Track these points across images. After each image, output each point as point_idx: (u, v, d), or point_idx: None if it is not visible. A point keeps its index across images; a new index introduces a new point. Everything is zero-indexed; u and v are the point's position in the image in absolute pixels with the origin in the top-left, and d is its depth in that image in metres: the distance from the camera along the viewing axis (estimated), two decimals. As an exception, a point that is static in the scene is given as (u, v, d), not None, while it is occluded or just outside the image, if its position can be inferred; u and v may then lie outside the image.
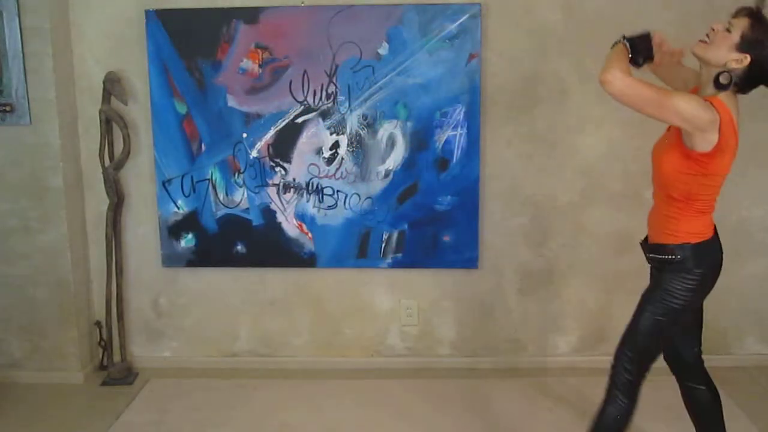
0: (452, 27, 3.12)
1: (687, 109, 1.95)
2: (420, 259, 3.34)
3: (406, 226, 3.31)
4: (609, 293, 3.38)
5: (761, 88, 2.14)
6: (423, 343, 3.47)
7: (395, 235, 3.31)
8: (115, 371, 3.35)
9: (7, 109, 3.11)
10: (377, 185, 3.28)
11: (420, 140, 3.23)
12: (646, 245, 2.34)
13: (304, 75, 3.19)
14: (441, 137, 3.22)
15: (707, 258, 2.20)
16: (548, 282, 3.39)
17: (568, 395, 3.12)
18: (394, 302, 3.43)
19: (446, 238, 3.30)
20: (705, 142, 1.99)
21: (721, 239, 3.39)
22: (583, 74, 3.20)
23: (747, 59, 2.02)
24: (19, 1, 3.02)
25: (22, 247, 3.23)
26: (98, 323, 3.45)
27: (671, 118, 1.99)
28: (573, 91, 3.22)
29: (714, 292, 3.38)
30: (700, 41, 2.12)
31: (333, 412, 3.02)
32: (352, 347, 3.48)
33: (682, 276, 2.17)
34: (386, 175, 3.27)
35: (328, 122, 3.23)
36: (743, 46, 2.02)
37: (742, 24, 2.05)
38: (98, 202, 3.35)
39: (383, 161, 3.26)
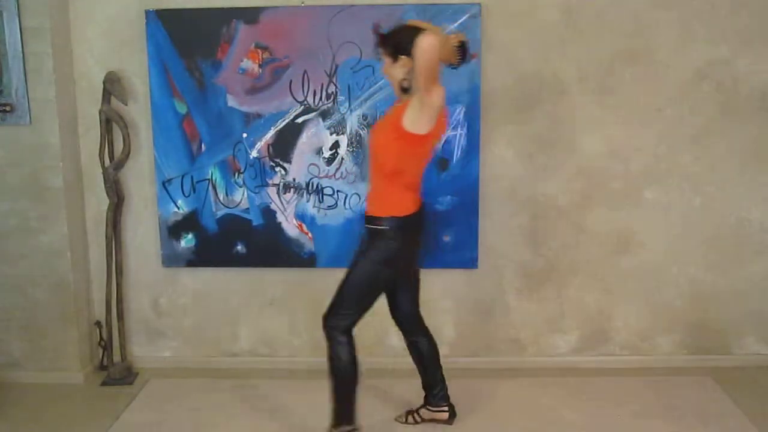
0: (452, 27, 3.12)
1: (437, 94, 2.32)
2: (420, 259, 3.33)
3: (406, 226, 3.30)
4: (609, 293, 3.39)
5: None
6: (423, 343, 3.47)
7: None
8: (115, 371, 3.35)
9: (7, 109, 3.11)
10: (377, 185, 3.28)
11: (420, 140, 3.23)
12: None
13: (304, 75, 3.19)
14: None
15: (409, 231, 2.55)
16: (548, 282, 3.39)
17: (568, 395, 3.12)
18: (394, 302, 3.43)
19: (446, 238, 3.30)
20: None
21: (720, 239, 3.42)
22: (583, 74, 3.20)
23: (405, 59, 2.40)
24: (19, 1, 3.03)
25: (22, 247, 3.23)
26: (98, 323, 3.45)
27: (427, 89, 2.30)
28: (573, 91, 3.22)
29: (714, 292, 3.41)
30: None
31: (333, 412, 3.02)
32: (352, 347, 3.48)
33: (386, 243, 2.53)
34: (386, 175, 3.27)
35: (328, 122, 3.24)
36: (394, 56, 2.44)
37: (382, 50, 2.50)
38: (98, 202, 3.35)
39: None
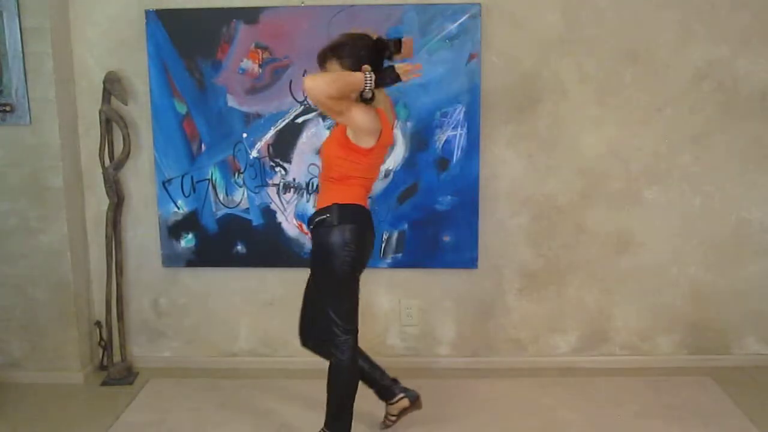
0: (452, 27, 3.12)
1: (360, 113, 2.36)
2: (420, 259, 3.34)
3: (406, 226, 3.31)
4: (609, 293, 3.39)
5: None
6: (423, 343, 3.47)
7: (395, 235, 3.31)
8: (115, 371, 3.35)
9: (7, 109, 3.11)
10: (377, 185, 3.28)
11: (420, 140, 3.23)
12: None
13: (304, 75, 3.19)
14: (441, 137, 3.22)
15: (355, 219, 2.50)
16: (548, 282, 3.39)
17: (568, 395, 3.12)
18: (394, 302, 3.43)
19: (446, 238, 3.30)
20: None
21: (720, 239, 3.42)
22: (582, 74, 3.20)
23: (366, 67, 2.36)
24: (19, 1, 3.02)
25: (22, 247, 3.23)
26: (98, 323, 3.45)
27: (346, 113, 2.36)
28: (573, 91, 3.22)
29: (714, 292, 3.41)
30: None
31: (333, 412, 3.02)
32: (352, 347, 3.48)
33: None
34: (386, 175, 3.27)
35: (328, 122, 3.23)
36: (355, 68, 2.37)
37: (333, 63, 2.43)
38: (98, 202, 3.35)
39: (383, 161, 3.26)
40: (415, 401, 2.83)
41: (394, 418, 2.85)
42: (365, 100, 2.40)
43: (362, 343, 3.47)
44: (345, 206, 2.48)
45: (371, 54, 2.41)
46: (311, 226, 2.56)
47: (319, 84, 2.29)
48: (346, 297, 2.56)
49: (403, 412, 2.83)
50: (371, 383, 2.80)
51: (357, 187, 2.52)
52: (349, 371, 2.58)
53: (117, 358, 3.42)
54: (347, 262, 2.47)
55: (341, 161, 2.47)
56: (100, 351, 3.45)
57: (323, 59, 2.46)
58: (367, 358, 2.80)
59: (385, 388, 2.81)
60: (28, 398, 3.18)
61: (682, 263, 3.35)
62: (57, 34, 3.13)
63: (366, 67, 2.36)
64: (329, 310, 2.53)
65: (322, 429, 2.63)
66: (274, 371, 3.42)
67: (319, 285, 2.59)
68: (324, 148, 2.59)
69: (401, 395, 2.81)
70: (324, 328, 2.56)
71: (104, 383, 3.33)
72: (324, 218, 2.48)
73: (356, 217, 2.50)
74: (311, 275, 2.65)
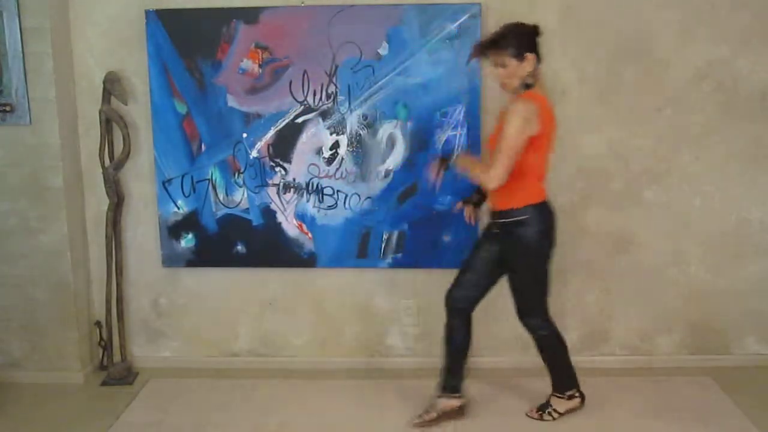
0: (452, 27, 3.12)
1: (514, 125, 2.52)
2: (420, 259, 3.34)
3: (406, 226, 3.31)
4: (609, 293, 3.38)
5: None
6: (423, 343, 3.47)
7: (395, 235, 3.31)
8: (115, 371, 3.35)
9: (7, 109, 3.11)
10: (377, 185, 3.28)
11: (420, 140, 3.23)
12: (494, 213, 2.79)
13: (304, 75, 3.19)
14: (441, 137, 3.22)
15: (546, 215, 2.73)
16: (548, 282, 3.38)
17: (568, 395, 3.12)
18: (394, 302, 3.43)
19: (446, 238, 3.30)
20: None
21: (720, 239, 3.42)
22: (582, 74, 3.20)
23: (531, 56, 2.59)
24: (19, 1, 3.02)
25: (22, 247, 3.23)
26: (98, 323, 3.45)
27: (523, 139, 2.55)
28: (573, 91, 3.22)
29: (714, 292, 3.41)
30: (501, 87, 2.70)
31: (333, 412, 3.02)
32: (352, 347, 3.48)
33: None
34: (386, 175, 3.27)
35: (328, 122, 3.24)
36: (519, 56, 2.58)
37: (502, 53, 2.59)
38: (98, 202, 3.35)
39: (383, 161, 3.26)
40: (461, 410, 2.91)
41: (433, 415, 2.86)
42: (529, 86, 2.59)
43: (362, 343, 3.49)
44: (538, 206, 2.68)
45: (531, 40, 2.61)
46: (501, 220, 2.71)
47: (498, 176, 2.53)
48: (544, 282, 2.79)
49: (446, 415, 2.88)
50: (453, 369, 2.89)
51: (536, 180, 2.70)
52: (558, 339, 2.85)
53: (117, 358, 3.42)
54: (546, 255, 2.75)
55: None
56: (100, 351, 3.45)
57: (482, 52, 2.65)
58: (468, 347, 2.91)
59: (457, 380, 2.89)
60: (28, 398, 3.18)
61: (682, 263, 3.35)
62: (57, 34, 3.13)
63: (528, 56, 2.57)
64: (529, 297, 2.79)
65: (552, 394, 2.90)
66: (274, 371, 3.42)
67: (518, 276, 2.78)
68: (490, 145, 2.70)
69: (459, 396, 2.89)
70: (521, 310, 2.82)
71: (104, 383, 3.33)
72: (522, 219, 2.66)
73: (549, 215, 2.73)
74: (508, 266, 2.78)
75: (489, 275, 2.85)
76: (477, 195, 2.95)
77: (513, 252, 2.74)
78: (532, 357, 3.44)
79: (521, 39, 2.59)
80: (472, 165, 2.69)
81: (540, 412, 2.90)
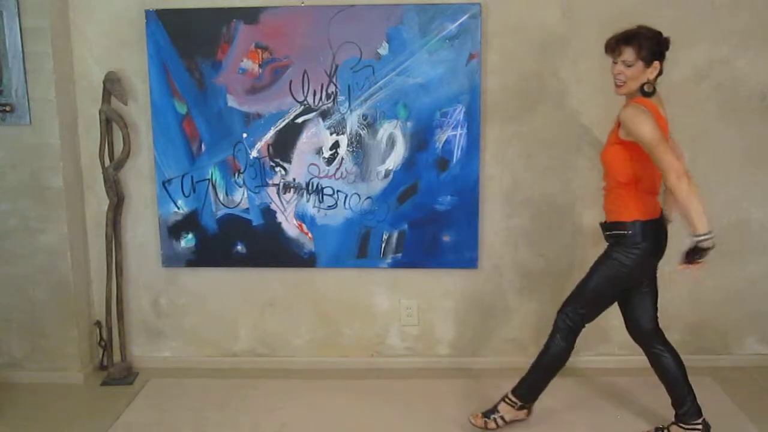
0: (452, 27, 3.12)
1: (647, 125, 2.42)
2: (420, 259, 3.34)
3: (406, 226, 3.31)
4: (609, 293, 3.38)
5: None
6: (423, 343, 3.48)
7: (395, 235, 3.31)
8: (115, 371, 3.35)
9: (7, 109, 3.11)
10: (377, 185, 3.28)
11: (420, 140, 3.23)
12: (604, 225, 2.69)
13: (304, 75, 3.19)
14: (441, 137, 3.22)
15: (653, 235, 2.58)
16: (548, 282, 3.38)
17: (567, 395, 3.12)
18: (394, 302, 3.43)
19: (446, 238, 3.30)
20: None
21: (720, 239, 3.40)
22: (582, 74, 3.20)
23: (658, 64, 2.50)
24: (19, 1, 3.02)
25: (22, 247, 3.23)
26: (98, 323, 3.45)
27: (657, 138, 2.43)
28: (573, 91, 3.22)
29: (714, 292, 3.41)
30: (617, 87, 2.56)
31: (333, 412, 3.02)
32: (352, 347, 3.48)
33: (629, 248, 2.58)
34: (386, 175, 3.27)
35: (328, 122, 3.24)
36: (648, 61, 2.48)
37: (631, 51, 2.48)
38: (98, 202, 3.35)
39: (383, 161, 3.26)
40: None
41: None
42: (647, 94, 2.49)
43: (362, 343, 3.49)
44: (645, 224, 2.54)
45: (662, 50, 2.52)
46: (609, 231, 2.62)
47: (675, 167, 2.35)
48: (606, 299, 2.71)
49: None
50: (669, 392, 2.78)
51: (648, 195, 2.57)
52: (566, 349, 2.71)
53: (117, 358, 3.42)
54: (631, 276, 2.62)
55: (626, 162, 2.51)
56: (100, 351, 3.45)
57: (614, 47, 2.52)
58: (679, 369, 2.77)
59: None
60: (28, 398, 3.18)
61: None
62: (57, 34, 3.13)
63: (656, 65, 2.48)
64: (584, 297, 2.67)
65: (507, 397, 2.80)
66: (274, 371, 3.42)
67: (598, 273, 2.64)
68: (604, 150, 2.60)
69: (697, 424, 2.74)
70: (570, 299, 2.70)
71: (104, 383, 3.33)
72: (625, 233, 2.55)
73: (655, 232, 2.58)
74: (597, 263, 2.66)
75: (630, 292, 2.73)
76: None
77: (606, 256, 2.63)
78: (531, 357, 3.44)
79: (655, 44, 2.49)
80: (685, 209, 2.38)
81: (485, 419, 2.80)
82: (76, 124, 3.31)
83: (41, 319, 3.30)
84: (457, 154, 3.23)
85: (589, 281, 2.66)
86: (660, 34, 2.54)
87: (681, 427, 2.74)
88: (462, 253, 3.32)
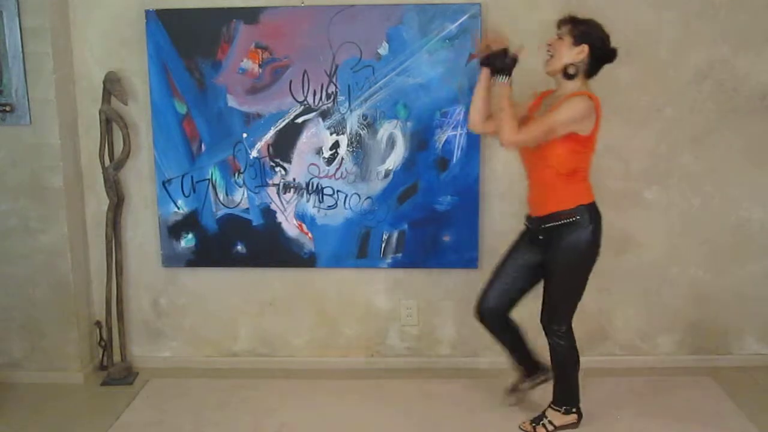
0: (452, 27, 3.12)
1: (567, 114, 2.49)
2: (420, 259, 3.34)
3: (406, 226, 3.31)
4: (609, 293, 3.38)
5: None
6: (423, 343, 3.47)
7: (395, 235, 3.31)
8: (115, 371, 3.35)
9: (7, 109, 3.11)
10: (377, 185, 3.28)
11: (420, 140, 3.23)
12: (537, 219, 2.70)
13: (304, 75, 3.19)
14: (441, 137, 3.22)
15: (597, 215, 2.66)
16: (548, 282, 3.38)
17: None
18: (394, 302, 3.43)
19: (446, 238, 3.30)
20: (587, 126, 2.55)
21: (720, 239, 3.41)
22: (583, 74, 3.19)
23: (585, 48, 2.54)
24: (19, 1, 3.02)
25: (22, 247, 3.23)
26: (98, 323, 3.45)
27: (562, 130, 2.50)
28: (573, 91, 3.21)
29: (714, 292, 3.41)
30: (546, 62, 2.62)
31: (333, 412, 3.02)
32: (352, 347, 3.48)
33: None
34: (386, 175, 3.27)
35: (328, 122, 3.24)
36: (577, 41, 2.54)
37: (567, 28, 2.57)
38: (98, 202, 3.35)
39: (383, 161, 3.26)
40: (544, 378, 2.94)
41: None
42: (569, 76, 2.56)
43: (362, 343, 3.49)
44: (591, 206, 2.63)
45: (600, 45, 2.57)
46: (550, 224, 2.62)
47: (506, 136, 2.51)
48: (581, 292, 2.72)
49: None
50: (527, 364, 2.92)
51: (586, 181, 2.65)
52: (574, 352, 2.74)
53: (117, 358, 3.42)
54: (593, 260, 2.66)
55: (571, 155, 2.56)
56: (100, 351, 3.45)
57: (559, 24, 2.60)
58: (520, 340, 2.90)
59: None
60: (28, 398, 3.18)
61: (682, 263, 3.35)
62: (57, 34, 3.13)
63: (584, 48, 2.53)
64: (562, 304, 2.71)
65: (550, 406, 2.81)
66: (274, 371, 3.42)
67: (559, 280, 2.68)
68: (546, 146, 2.57)
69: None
70: (550, 316, 2.72)
71: (104, 383, 3.33)
72: (574, 220, 2.59)
73: (599, 216, 2.65)
74: (549, 270, 2.69)
75: (523, 283, 2.79)
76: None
77: (561, 255, 2.64)
78: (532, 357, 3.45)
79: (592, 35, 2.55)
80: (508, 107, 2.53)
81: (534, 425, 2.81)
82: (76, 124, 3.31)
83: (41, 319, 3.29)
84: (457, 154, 3.23)
85: (563, 292, 2.70)
86: (604, 32, 2.60)
87: (554, 409, 2.82)
88: (462, 253, 3.32)
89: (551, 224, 2.63)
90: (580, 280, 2.69)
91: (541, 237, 2.68)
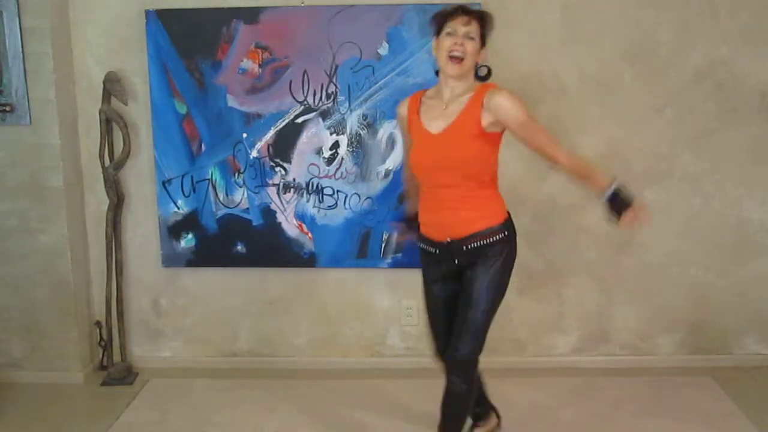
0: (452, 27, 3.12)
1: (525, 108, 2.23)
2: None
3: (406, 226, 3.30)
4: (609, 293, 3.39)
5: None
6: (423, 343, 3.46)
7: (395, 235, 3.31)
8: (115, 371, 3.35)
9: (7, 109, 3.11)
10: (377, 185, 3.28)
11: (420, 140, 3.23)
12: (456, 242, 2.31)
13: (304, 75, 3.19)
14: (441, 137, 3.22)
15: (514, 229, 2.39)
16: (548, 282, 3.38)
17: (568, 395, 3.12)
18: (394, 302, 3.43)
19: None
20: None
21: (721, 239, 3.41)
22: (582, 74, 3.20)
23: (484, 51, 2.28)
24: (19, 1, 3.02)
25: (22, 247, 3.23)
26: (98, 323, 3.45)
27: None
28: (573, 91, 3.22)
29: (714, 292, 3.41)
30: (453, 61, 2.23)
31: (333, 412, 3.02)
32: (352, 347, 3.48)
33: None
34: (386, 175, 3.27)
35: (328, 122, 3.24)
36: (483, 42, 2.27)
37: (476, 25, 2.23)
38: (98, 202, 3.35)
39: (383, 161, 3.26)
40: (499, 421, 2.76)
41: None
42: (481, 78, 2.31)
43: (362, 343, 3.49)
44: (509, 219, 2.36)
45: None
46: (475, 244, 2.27)
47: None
48: (497, 308, 2.39)
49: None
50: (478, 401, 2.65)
51: (497, 188, 2.36)
52: (472, 399, 2.50)
53: (117, 358, 3.42)
54: (510, 274, 2.37)
55: (492, 157, 2.29)
56: (100, 351, 3.45)
57: (465, 18, 2.22)
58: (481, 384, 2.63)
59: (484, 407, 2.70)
60: (28, 398, 3.18)
61: (682, 263, 3.35)
62: (57, 34, 3.13)
63: (484, 50, 2.27)
64: (483, 326, 2.34)
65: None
66: (274, 371, 3.42)
67: (484, 300, 2.31)
68: (463, 150, 2.23)
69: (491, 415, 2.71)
70: (466, 347, 2.35)
71: (104, 383, 3.33)
72: (503, 235, 2.30)
73: (514, 228, 2.38)
74: (470, 290, 2.32)
75: (454, 315, 2.39)
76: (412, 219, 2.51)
77: (489, 278, 2.30)
78: (528, 357, 3.46)
79: (490, 29, 2.29)
80: (584, 171, 2.29)
81: None
82: (76, 124, 3.31)
83: (41, 320, 3.30)
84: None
85: (488, 317, 2.34)
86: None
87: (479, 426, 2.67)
88: (462, 253, 3.31)
89: (476, 244, 2.28)
90: (501, 297, 2.37)
91: (457, 261, 2.32)
